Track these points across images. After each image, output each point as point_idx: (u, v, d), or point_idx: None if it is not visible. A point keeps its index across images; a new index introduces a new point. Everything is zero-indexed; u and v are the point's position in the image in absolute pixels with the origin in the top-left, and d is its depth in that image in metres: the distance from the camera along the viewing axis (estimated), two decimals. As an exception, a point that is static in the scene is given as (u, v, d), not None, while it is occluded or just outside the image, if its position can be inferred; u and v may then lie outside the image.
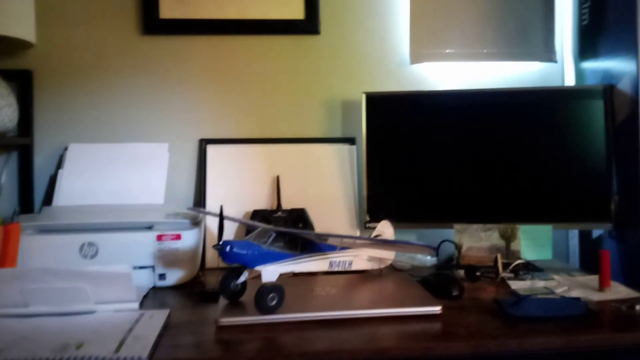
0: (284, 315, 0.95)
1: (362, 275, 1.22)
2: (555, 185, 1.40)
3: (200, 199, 1.52)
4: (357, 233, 1.50)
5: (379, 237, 1.29)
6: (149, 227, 1.21)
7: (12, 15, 1.34)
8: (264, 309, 0.94)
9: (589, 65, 1.50)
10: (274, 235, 1.03)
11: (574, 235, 1.58)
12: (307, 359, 0.83)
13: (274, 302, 0.95)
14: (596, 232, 1.48)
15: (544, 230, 1.34)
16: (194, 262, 1.24)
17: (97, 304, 1.00)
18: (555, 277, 1.23)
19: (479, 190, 1.42)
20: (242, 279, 1.02)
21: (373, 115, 1.45)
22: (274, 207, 1.48)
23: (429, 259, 1.39)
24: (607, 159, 1.38)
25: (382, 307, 0.98)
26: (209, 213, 1.21)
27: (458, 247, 1.33)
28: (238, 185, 1.50)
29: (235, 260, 0.98)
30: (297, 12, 1.54)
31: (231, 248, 0.97)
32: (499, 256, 1.24)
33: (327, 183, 1.51)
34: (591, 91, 1.40)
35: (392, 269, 1.33)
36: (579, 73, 1.55)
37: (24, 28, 1.38)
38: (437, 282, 1.13)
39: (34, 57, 1.49)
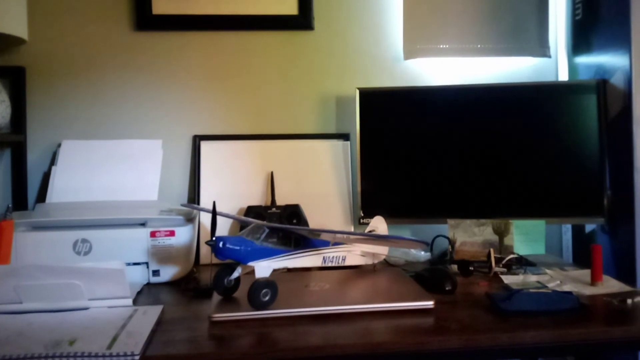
0: (277, 310, 0.95)
1: (356, 270, 1.22)
2: (548, 180, 1.40)
3: (194, 195, 1.52)
4: (351, 229, 1.50)
5: (373, 233, 1.29)
6: (143, 224, 1.21)
7: (4, 11, 1.33)
8: (257, 305, 0.95)
9: (583, 60, 1.50)
10: (267, 231, 1.03)
11: (567, 229, 1.59)
12: (300, 354, 0.84)
13: (267, 298, 0.95)
14: (589, 227, 1.48)
15: (537, 225, 1.34)
16: (187, 258, 1.24)
17: (90, 300, 1.00)
18: (548, 271, 1.24)
19: (473, 186, 1.42)
20: (235, 274, 1.02)
21: (367, 111, 1.45)
22: (268, 203, 1.48)
23: (422, 254, 1.40)
24: (600, 154, 1.39)
25: (375, 302, 0.99)
26: (203, 209, 1.21)
27: (452, 242, 1.34)
28: (232, 182, 1.50)
29: (228, 256, 0.98)
30: (290, 7, 1.54)
31: (224, 244, 0.97)
32: (492, 251, 1.25)
33: (321, 179, 1.52)
34: (584, 86, 1.41)
35: (386, 264, 1.34)
36: (573, 68, 1.55)
37: (16, 24, 1.38)
38: (431, 276, 1.14)
39: (26, 54, 1.49)
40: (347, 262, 1.18)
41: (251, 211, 1.42)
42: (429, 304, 0.98)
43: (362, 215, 1.44)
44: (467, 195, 1.42)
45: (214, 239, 0.97)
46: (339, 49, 1.57)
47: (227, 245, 0.97)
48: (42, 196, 1.45)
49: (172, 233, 1.20)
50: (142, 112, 1.53)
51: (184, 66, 1.54)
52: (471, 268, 1.23)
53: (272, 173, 1.50)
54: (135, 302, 1.06)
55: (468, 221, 1.34)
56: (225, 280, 1.03)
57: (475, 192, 1.42)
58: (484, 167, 1.42)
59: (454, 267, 1.27)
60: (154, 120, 1.53)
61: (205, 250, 1.41)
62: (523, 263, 1.28)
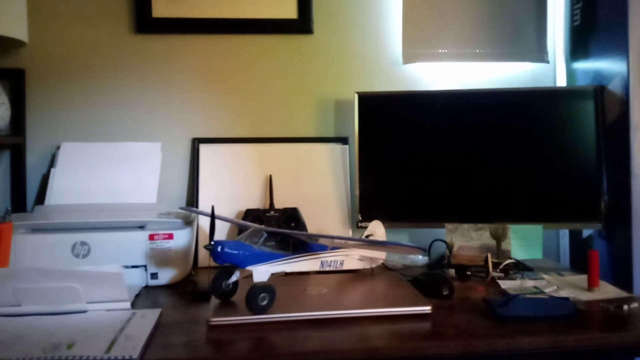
0: (275, 315, 0.95)
1: (354, 274, 1.22)
2: (545, 185, 1.41)
3: (192, 198, 1.52)
4: (350, 232, 1.51)
5: (370, 237, 1.30)
6: (141, 227, 1.21)
7: (4, 14, 1.34)
8: (255, 309, 0.95)
9: (581, 65, 1.51)
10: (265, 235, 1.03)
11: (564, 234, 1.59)
12: (298, 359, 0.84)
13: (265, 302, 0.96)
14: (586, 232, 1.49)
15: (535, 230, 1.35)
16: (186, 261, 1.24)
17: (88, 303, 1.00)
18: (545, 276, 1.24)
19: (470, 190, 1.42)
20: (233, 278, 1.02)
21: (365, 115, 1.46)
22: (267, 206, 1.48)
23: (420, 258, 1.40)
24: (598, 159, 1.39)
25: (373, 306, 0.99)
26: (201, 212, 1.21)
27: (449, 247, 1.34)
28: (230, 185, 1.50)
29: (226, 260, 0.98)
30: (290, 11, 1.54)
31: (222, 248, 0.97)
32: (489, 255, 1.25)
33: (319, 182, 1.52)
34: (582, 92, 1.41)
35: (384, 268, 1.34)
36: (571, 74, 1.56)
37: (16, 27, 1.38)
38: (428, 281, 1.14)
39: (26, 56, 1.49)
40: (345, 267, 1.18)
41: (249, 214, 1.43)
42: (426, 309, 0.99)
43: (360, 219, 1.44)
44: (464, 200, 1.42)
45: (212, 243, 0.97)
46: (338, 53, 1.58)
47: (226, 250, 0.97)
48: (41, 198, 1.46)
49: (170, 236, 1.21)
50: (142, 115, 1.53)
51: (184, 69, 1.54)
52: (468, 273, 1.24)
53: (270, 176, 1.50)
54: (133, 305, 1.06)
55: (466, 225, 1.35)
56: (224, 284, 1.03)
57: (473, 197, 1.42)
58: (481, 172, 1.42)
59: (452, 271, 1.27)
60: (153, 123, 1.54)
61: (203, 253, 1.41)
62: (520, 268, 1.28)
